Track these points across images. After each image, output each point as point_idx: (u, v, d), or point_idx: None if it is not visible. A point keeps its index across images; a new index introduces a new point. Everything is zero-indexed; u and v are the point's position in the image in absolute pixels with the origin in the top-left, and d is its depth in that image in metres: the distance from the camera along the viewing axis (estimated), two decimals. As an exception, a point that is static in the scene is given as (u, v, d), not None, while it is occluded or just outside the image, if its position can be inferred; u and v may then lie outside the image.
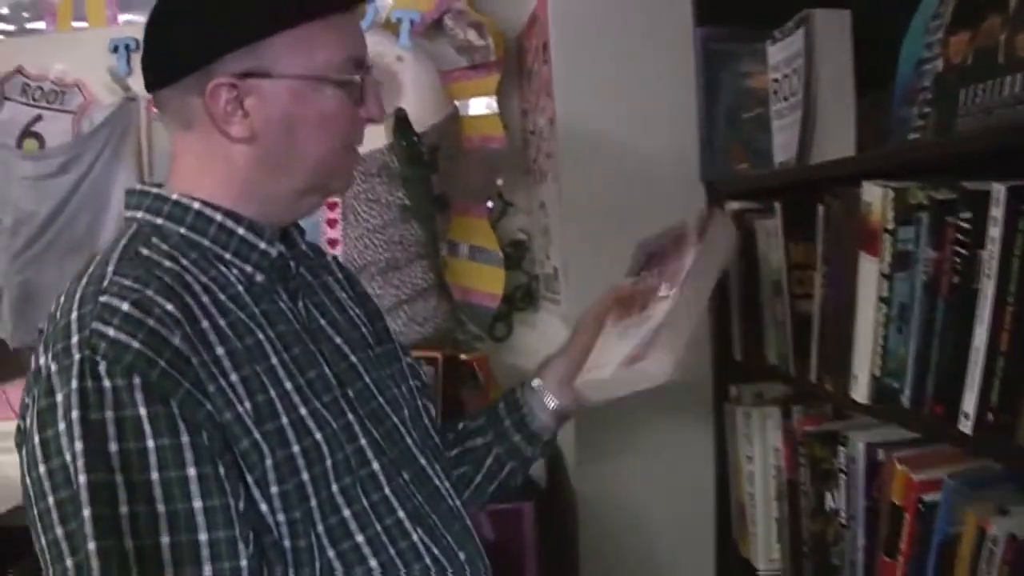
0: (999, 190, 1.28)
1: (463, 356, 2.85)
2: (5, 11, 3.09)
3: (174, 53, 1.28)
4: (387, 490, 1.31)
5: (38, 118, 3.01)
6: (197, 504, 1.11)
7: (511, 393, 1.68)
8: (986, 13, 1.42)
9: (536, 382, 1.66)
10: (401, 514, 1.31)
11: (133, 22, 3.01)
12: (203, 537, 1.10)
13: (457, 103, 2.93)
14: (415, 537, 1.31)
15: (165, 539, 1.09)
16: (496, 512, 2.29)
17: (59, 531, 1.09)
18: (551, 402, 1.64)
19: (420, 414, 1.50)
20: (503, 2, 2.94)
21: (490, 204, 2.97)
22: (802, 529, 1.95)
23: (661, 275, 1.67)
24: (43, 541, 1.12)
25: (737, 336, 2.21)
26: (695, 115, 2.37)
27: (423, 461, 1.41)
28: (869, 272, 1.59)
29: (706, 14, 2.32)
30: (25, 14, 3.09)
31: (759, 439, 2.12)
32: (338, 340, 1.41)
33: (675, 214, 2.35)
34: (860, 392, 1.63)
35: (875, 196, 1.56)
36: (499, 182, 2.96)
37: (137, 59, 2.90)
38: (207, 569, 1.10)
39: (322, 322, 1.41)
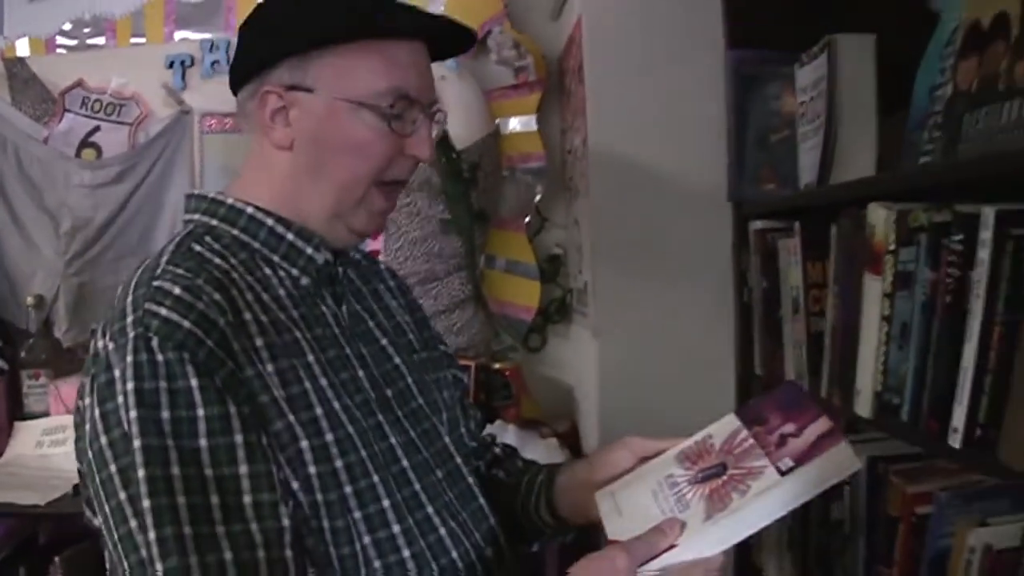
0: (988, 213, 1.32)
1: (497, 365, 2.91)
2: (67, 27, 3.19)
3: (241, 61, 1.41)
4: (417, 486, 1.36)
5: (96, 129, 3.11)
6: (243, 469, 1.18)
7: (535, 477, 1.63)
8: (991, 40, 1.44)
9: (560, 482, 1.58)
10: (430, 509, 1.36)
11: (189, 39, 3.13)
12: (247, 499, 1.17)
13: (498, 121, 3.00)
14: (443, 531, 1.36)
15: (215, 499, 1.16)
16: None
17: (122, 495, 1.15)
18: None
19: (458, 420, 1.57)
20: (545, 24, 3.02)
21: (527, 219, 3.04)
22: (810, 539, 1.99)
23: (766, 442, 1.33)
24: (107, 509, 1.17)
25: (758, 351, 2.25)
26: (725, 137, 2.41)
27: (458, 460, 1.47)
28: (873, 291, 1.63)
29: (737, 38, 2.36)
30: (86, 30, 3.20)
31: (774, 452, 2.14)
32: (384, 341, 1.48)
33: (703, 233, 2.43)
34: (863, 407, 1.67)
35: (879, 218, 1.60)
36: (537, 198, 3.02)
37: (192, 75, 3.05)
38: (253, 526, 1.17)
39: (370, 324, 1.48)
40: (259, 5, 1.41)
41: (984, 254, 1.33)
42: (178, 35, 3.14)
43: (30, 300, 3.07)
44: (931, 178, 1.57)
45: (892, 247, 1.57)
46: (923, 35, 1.69)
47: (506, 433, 2.65)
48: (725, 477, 1.29)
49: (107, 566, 1.33)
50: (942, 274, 1.45)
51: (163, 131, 3.08)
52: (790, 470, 1.24)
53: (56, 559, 2.74)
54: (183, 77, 3.09)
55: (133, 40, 3.17)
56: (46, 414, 3.01)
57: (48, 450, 2.87)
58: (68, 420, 2.85)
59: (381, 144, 1.35)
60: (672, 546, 1.23)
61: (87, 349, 2.93)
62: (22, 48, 3.22)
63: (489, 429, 2.65)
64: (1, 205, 3.12)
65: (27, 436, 2.94)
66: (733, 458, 1.32)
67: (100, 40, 3.20)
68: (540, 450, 2.62)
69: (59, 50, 3.22)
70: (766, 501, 1.23)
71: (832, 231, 1.85)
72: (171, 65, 3.09)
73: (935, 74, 1.64)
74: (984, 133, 1.43)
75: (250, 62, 1.39)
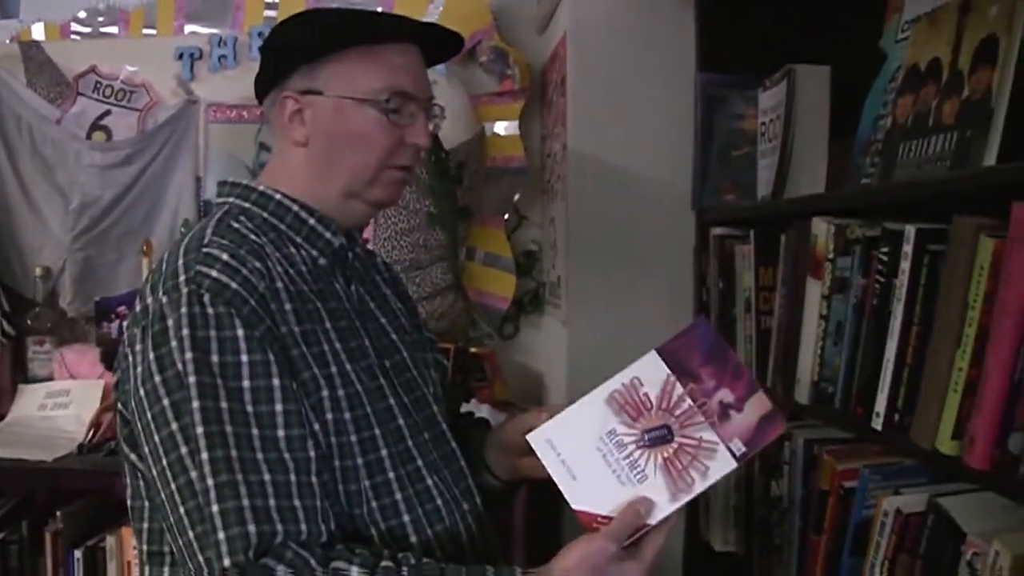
0: (910, 230, 1.54)
1: (473, 350, 3.06)
2: (82, 15, 3.33)
3: (263, 75, 1.63)
4: (410, 442, 1.55)
5: (107, 113, 3.25)
6: (279, 408, 1.37)
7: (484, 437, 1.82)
8: (926, 81, 1.63)
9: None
10: (420, 463, 1.55)
11: (198, 33, 3.28)
12: (281, 433, 1.36)
13: (484, 125, 3.15)
14: (429, 482, 1.55)
15: (255, 431, 1.34)
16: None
17: (174, 425, 1.33)
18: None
19: (441, 395, 1.76)
20: (531, 37, 3.16)
21: (507, 216, 3.19)
22: (753, 514, 2.18)
23: (707, 409, 1.45)
24: (156, 439, 1.34)
25: (713, 346, 2.40)
26: (691, 151, 2.58)
27: (443, 426, 1.66)
28: (813, 294, 1.83)
29: (707, 62, 2.53)
30: (100, 19, 3.33)
31: (722, 437, 2.33)
32: (383, 320, 1.68)
33: (668, 237, 2.59)
34: (802, 394, 1.87)
35: (821, 230, 1.81)
36: (516, 197, 3.18)
37: (199, 67, 3.21)
38: (286, 455, 1.36)
39: (371, 305, 1.68)
40: (274, 29, 1.64)
41: (905, 265, 1.54)
42: (188, 28, 3.28)
43: (38, 271, 3.19)
44: (868, 198, 1.77)
45: (831, 256, 1.77)
46: (872, 70, 1.88)
47: (480, 412, 2.76)
48: (675, 445, 1.41)
49: (129, 503, 1.52)
50: (871, 280, 1.66)
51: (170, 118, 3.22)
52: (743, 456, 1.41)
53: (57, 513, 2.87)
54: (191, 69, 3.23)
55: (145, 31, 3.30)
56: (49, 379, 3.12)
57: (52, 412, 2.99)
58: (71, 384, 3.05)
59: (382, 135, 1.55)
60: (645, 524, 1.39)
61: (89, 319, 3.13)
62: (37, 33, 3.33)
63: (464, 408, 2.82)
64: (14, 181, 3.25)
65: (31, 398, 3.06)
66: (676, 422, 1.42)
67: (113, 29, 3.32)
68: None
69: (73, 36, 3.34)
70: (719, 480, 1.42)
71: (782, 240, 2.03)
72: (180, 57, 3.23)
73: (879, 106, 1.83)
74: (914, 162, 1.62)
75: (270, 75, 1.61)
